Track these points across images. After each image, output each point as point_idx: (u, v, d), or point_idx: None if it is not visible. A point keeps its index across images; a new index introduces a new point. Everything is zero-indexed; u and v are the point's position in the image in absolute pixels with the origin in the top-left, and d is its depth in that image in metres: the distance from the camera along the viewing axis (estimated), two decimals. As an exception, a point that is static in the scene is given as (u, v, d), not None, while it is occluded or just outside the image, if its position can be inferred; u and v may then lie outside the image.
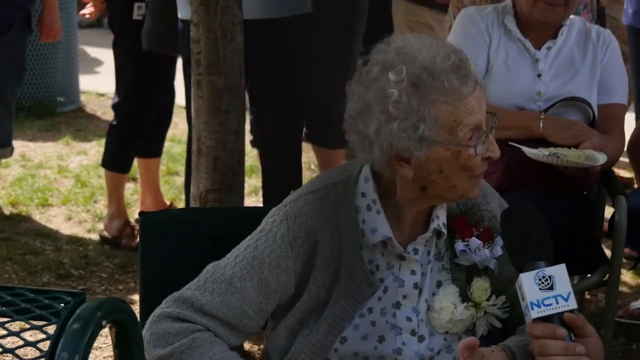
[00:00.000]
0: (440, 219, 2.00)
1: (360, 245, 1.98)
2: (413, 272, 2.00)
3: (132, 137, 4.75)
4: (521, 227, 1.82)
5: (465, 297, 1.99)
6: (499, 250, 2.01)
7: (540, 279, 1.73)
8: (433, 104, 1.84)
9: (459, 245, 2.00)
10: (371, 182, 1.98)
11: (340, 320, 1.97)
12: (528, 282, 1.73)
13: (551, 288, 1.73)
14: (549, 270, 1.74)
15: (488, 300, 1.99)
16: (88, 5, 4.97)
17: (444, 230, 2.00)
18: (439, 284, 2.02)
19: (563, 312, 1.73)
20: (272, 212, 2.03)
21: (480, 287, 1.99)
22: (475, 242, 1.99)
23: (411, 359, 1.98)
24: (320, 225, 1.98)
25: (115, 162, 4.79)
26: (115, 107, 4.80)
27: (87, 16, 4.99)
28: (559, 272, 1.74)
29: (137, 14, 4.56)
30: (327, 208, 1.98)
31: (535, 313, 1.73)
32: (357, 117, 1.90)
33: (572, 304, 1.73)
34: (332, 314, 1.97)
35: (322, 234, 1.98)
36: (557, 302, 1.72)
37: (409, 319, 1.99)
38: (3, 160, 5.64)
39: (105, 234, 4.73)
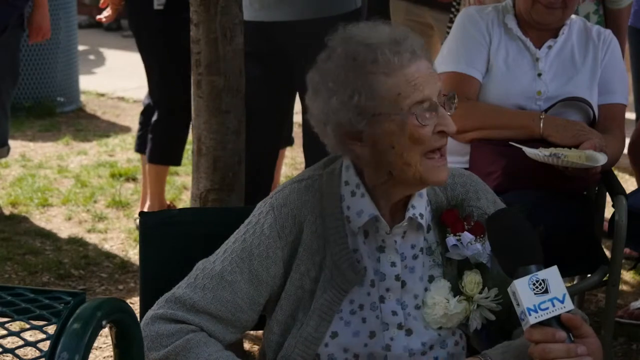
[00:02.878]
0: (416, 209, 2.00)
1: (345, 233, 1.99)
2: (393, 264, 2.00)
3: (179, 127, 4.78)
4: (507, 233, 1.81)
5: (457, 291, 1.99)
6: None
7: (534, 284, 1.72)
8: (370, 76, 1.88)
9: (451, 239, 2.00)
10: (352, 168, 2.01)
11: (329, 310, 1.98)
12: (522, 288, 1.72)
13: (546, 291, 1.72)
14: (542, 274, 1.73)
15: (480, 293, 1.98)
16: (106, 10, 4.96)
17: (421, 221, 2.00)
18: (430, 279, 2.02)
19: (560, 315, 1.73)
20: (259, 205, 2.06)
21: (471, 280, 1.99)
22: (467, 236, 1.99)
23: (400, 355, 1.99)
24: (305, 214, 2.00)
25: (165, 155, 4.82)
26: (155, 102, 4.80)
27: (104, 20, 4.98)
28: (552, 275, 1.73)
29: (157, 4, 4.56)
30: (311, 197, 2.01)
31: (533, 319, 1.71)
32: (312, 104, 1.95)
33: (569, 304, 1.73)
34: (320, 305, 1.98)
35: (306, 222, 2.00)
36: (553, 305, 1.72)
37: (394, 313, 2.00)
38: (3, 160, 5.65)
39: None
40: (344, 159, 2.02)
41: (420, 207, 2.01)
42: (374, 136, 1.90)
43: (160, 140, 4.80)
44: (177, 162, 4.95)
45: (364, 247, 2.01)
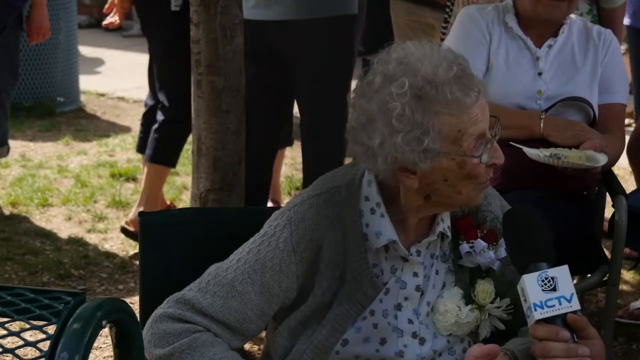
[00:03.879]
0: (445, 222, 2.00)
1: (364, 249, 1.97)
2: (415, 275, 1.99)
3: (186, 128, 4.77)
4: (523, 229, 1.82)
5: (468, 299, 1.99)
6: (503, 252, 2.00)
7: (543, 280, 1.73)
8: (437, 116, 1.83)
9: (464, 246, 2.00)
10: (374, 185, 1.97)
11: (343, 322, 1.97)
12: (531, 283, 1.73)
13: (554, 289, 1.73)
14: (552, 272, 1.74)
15: (492, 302, 1.98)
16: (111, 15, 4.92)
17: (449, 233, 2.00)
18: (442, 286, 2.01)
19: (566, 314, 1.73)
20: (275, 216, 2.02)
21: (484, 289, 1.98)
22: (480, 243, 1.99)
23: None
24: (324, 230, 1.97)
25: (166, 156, 4.77)
26: (164, 102, 4.72)
27: (110, 25, 4.94)
28: (562, 273, 1.74)
29: (174, 5, 4.54)
30: (331, 212, 1.98)
31: (538, 314, 1.72)
32: (360, 129, 1.89)
33: (575, 305, 1.73)
34: (335, 317, 1.97)
35: (326, 238, 1.97)
36: (560, 303, 1.72)
37: (410, 321, 1.99)
38: (3, 160, 5.65)
39: (131, 228, 4.71)
40: (367, 173, 1.99)
41: (447, 219, 2.01)
42: (428, 171, 1.88)
43: (166, 141, 4.74)
44: (175, 164, 4.91)
45: (386, 263, 1.99)
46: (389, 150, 1.85)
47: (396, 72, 1.85)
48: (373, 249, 1.98)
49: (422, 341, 1.99)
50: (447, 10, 4.15)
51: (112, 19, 4.87)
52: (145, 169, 4.90)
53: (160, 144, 4.75)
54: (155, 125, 4.77)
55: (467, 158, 1.86)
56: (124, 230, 4.74)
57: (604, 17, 3.98)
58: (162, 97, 4.77)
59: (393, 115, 1.83)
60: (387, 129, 1.84)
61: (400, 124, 1.83)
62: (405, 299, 1.99)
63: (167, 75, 4.73)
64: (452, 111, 1.83)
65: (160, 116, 4.75)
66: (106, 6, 4.91)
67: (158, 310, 2.00)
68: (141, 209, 4.76)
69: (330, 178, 2.04)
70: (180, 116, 4.66)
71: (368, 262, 1.97)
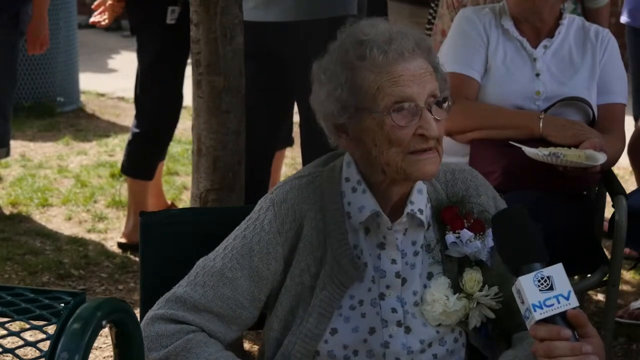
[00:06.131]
0: (415, 205, 1.99)
1: (345, 230, 1.99)
2: (394, 262, 2.00)
3: (165, 143, 4.74)
4: (512, 231, 1.81)
5: (457, 288, 1.99)
6: (490, 242, 2.00)
7: (539, 280, 1.72)
8: (354, 70, 1.91)
9: (450, 237, 2.00)
10: (353, 165, 2.02)
11: (328, 307, 1.97)
12: (527, 285, 1.72)
13: (551, 288, 1.72)
14: (547, 271, 1.73)
15: (480, 290, 1.98)
16: (97, 13, 4.87)
17: (421, 217, 2.00)
18: (429, 276, 2.02)
19: (565, 311, 1.72)
20: (260, 201, 2.07)
21: (472, 278, 1.98)
22: (466, 233, 1.99)
23: (398, 352, 1.98)
24: (306, 209, 2.01)
25: (139, 170, 4.72)
26: (147, 114, 4.66)
27: (103, 23, 4.89)
28: (557, 272, 1.73)
29: (170, 18, 4.51)
30: (312, 193, 2.02)
31: (538, 315, 1.71)
32: (311, 95, 2.01)
33: (574, 301, 1.72)
34: (320, 302, 1.98)
35: (307, 217, 2.00)
36: (558, 302, 1.71)
37: (394, 310, 1.99)
38: (3, 160, 5.65)
39: (123, 240, 4.69)
40: (345, 156, 2.03)
41: (419, 203, 2.01)
42: (358, 131, 1.94)
43: (136, 154, 4.68)
44: (150, 177, 4.80)
45: (365, 244, 2.01)
46: (319, 106, 1.97)
47: (340, 37, 1.98)
48: (355, 227, 1.99)
49: (407, 330, 1.99)
50: (431, 12, 4.15)
51: (100, 17, 4.80)
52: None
53: (132, 157, 4.70)
54: (130, 137, 4.74)
55: (383, 117, 1.89)
56: (120, 245, 4.73)
57: (589, 16, 3.96)
58: (138, 108, 4.72)
59: (322, 71, 1.96)
60: (318, 85, 1.97)
61: (325, 77, 1.96)
62: (387, 287, 2.00)
63: (147, 87, 4.66)
64: (370, 67, 1.90)
65: (134, 128, 4.70)
66: (95, 3, 4.85)
67: (149, 313, 2.01)
68: (130, 221, 4.73)
69: (314, 164, 2.10)
70: (153, 130, 4.63)
71: (348, 242, 1.99)
